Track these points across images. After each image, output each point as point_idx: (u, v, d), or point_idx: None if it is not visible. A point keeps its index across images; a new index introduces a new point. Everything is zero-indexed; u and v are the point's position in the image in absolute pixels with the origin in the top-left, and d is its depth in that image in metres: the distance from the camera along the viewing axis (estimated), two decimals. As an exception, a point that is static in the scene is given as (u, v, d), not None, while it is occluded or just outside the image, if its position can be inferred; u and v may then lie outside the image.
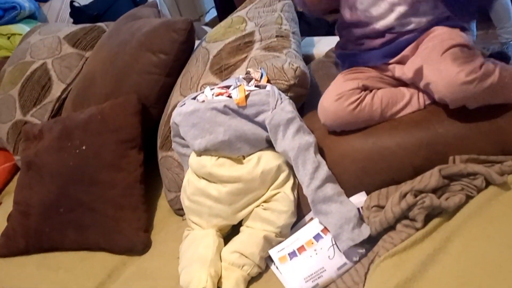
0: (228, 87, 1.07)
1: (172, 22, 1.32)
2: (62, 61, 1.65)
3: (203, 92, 1.08)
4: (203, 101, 1.04)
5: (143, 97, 1.33)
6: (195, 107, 1.04)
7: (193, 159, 1.07)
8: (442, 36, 0.96)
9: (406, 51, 1.02)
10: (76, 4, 2.41)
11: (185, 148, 1.14)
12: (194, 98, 1.08)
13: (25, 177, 1.30)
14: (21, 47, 1.79)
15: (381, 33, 1.04)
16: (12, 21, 2.09)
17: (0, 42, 2.04)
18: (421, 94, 1.03)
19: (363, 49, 1.06)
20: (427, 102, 1.02)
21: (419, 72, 0.96)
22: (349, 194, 0.99)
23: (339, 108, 0.98)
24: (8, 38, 2.05)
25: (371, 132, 1.00)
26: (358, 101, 0.99)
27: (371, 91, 1.02)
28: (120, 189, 1.21)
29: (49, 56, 1.66)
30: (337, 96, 0.99)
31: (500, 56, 1.01)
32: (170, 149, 1.25)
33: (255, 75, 1.08)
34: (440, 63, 0.90)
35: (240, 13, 1.36)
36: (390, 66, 1.05)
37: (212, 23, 3.81)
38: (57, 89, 1.61)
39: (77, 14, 2.39)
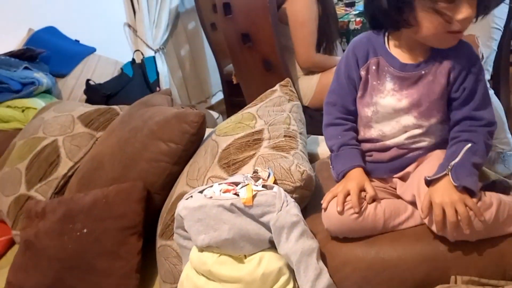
0: (236, 183, 1.09)
1: (185, 114, 1.38)
2: (72, 140, 1.69)
3: (211, 187, 1.10)
4: (211, 197, 1.06)
5: (149, 184, 1.35)
6: (202, 203, 1.06)
7: (194, 254, 1.07)
8: (438, 161, 1.00)
9: (409, 168, 1.06)
10: (91, 82, 2.52)
11: (186, 240, 1.15)
12: (201, 192, 1.10)
13: (21, 257, 1.29)
14: (35, 122, 1.85)
15: (390, 148, 1.09)
16: (29, 95, 2.17)
17: (14, 114, 2.10)
18: None
19: (369, 161, 1.11)
20: None
21: (414, 201, 1.01)
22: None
23: (343, 216, 1.00)
24: (22, 111, 2.11)
25: (373, 242, 1.01)
26: (361, 210, 1.01)
27: (374, 200, 1.04)
28: (116, 278, 1.20)
29: (60, 133, 1.71)
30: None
31: (501, 185, 1.05)
32: (170, 238, 1.25)
33: (263, 174, 1.11)
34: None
35: (250, 109, 1.43)
36: (394, 180, 1.09)
37: (218, 105, 3.96)
38: (64, 167, 1.64)
39: (91, 92, 2.49)
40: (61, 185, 1.63)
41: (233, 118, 1.43)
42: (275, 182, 1.11)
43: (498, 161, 2.47)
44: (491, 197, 0.94)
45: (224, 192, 1.07)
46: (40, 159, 1.66)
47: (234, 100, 3.33)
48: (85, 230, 1.25)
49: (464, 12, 0.90)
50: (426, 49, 1.03)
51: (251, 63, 2.38)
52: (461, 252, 0.95)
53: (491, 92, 2.22)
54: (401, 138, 1.07)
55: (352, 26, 2.52)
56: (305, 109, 2.38)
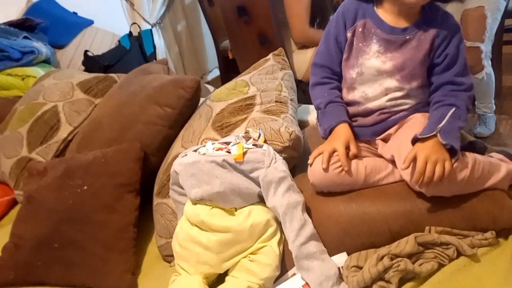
0: (228, 143, 1.16)
1: (181, 80, 1.44)
2: (72, 105, 1.75)
3: (204, 146, 1.17)
4: (204, 154, 1.13)
5: (146, 146, 1.41)
6: (195, 159, 1.12)
7: (188, 207, 1.14)
8: (419, 125, 1.07)
9: (390, 130, 1.14)
10: (89, 53, 2.56)
11: (181, 196, 1.22)
12: (196, 151, 1.17)
13: (24, 210, 1.36)
14: (35, 88, 1.90)
15: (373, 112, 1.15)
16: (29, 64, 2.21)
17: (14, 82, 2.15)
18: None
19: (354, 125, 1.17)
20: None
21: (394, 160, 1.08)
22: (331, 254, 1.05)
23: (326, 171, 1.07)
24: (23, 79, 2.16)
25: (355, 197, 1.09)
26: (340, 169, 1.08)
27: (356, 157, 1.12)
28: (112, 231, 1.27)
29: (60, 99, 1.77)
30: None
31: (477, 146, 1.11)
32: (165, 196, 1.32)
33: (254, 134, 1.17)
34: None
35: (244, 77, 1.49)
36: (376, 141, 1.16)
37: (214, 82, 4.00)
38: (64, 131, 1.70)
39: (89, 63, 2.53)
40: (61, 148, 1.69)
41: (227, 85, 1.49)
42: (265, 142, 1.17)
43: (480, 123, 2.57)
44: (467, 157, 1.01)
45: (217, 150, 1.14)
46: (40, 123, 1.72)
47: (230, 76, 3.34)
48: (85, 187, 1.32)
49: None
50: (413, 15, 1.09)
51: (247, 37, 2.41)
52: (436, 207, 1.02)
53: (489, 62, 2.31)
54: (382, 101, 1.13)
55: (347, 3, 2.56)
56: (299, 83, 2.43)
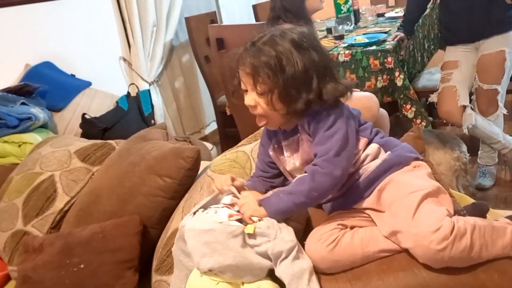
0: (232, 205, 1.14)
1: (181, 150, 1.43)
2: (69, 174, 1.72)
3: (217, 210, 1.13)
4: (221, 222, 1.09)
5: (145, 218, 1.39)
6: (211, 227, 1.07)
7: (195, 279, 1.09)
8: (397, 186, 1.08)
9: (369, 200, 1.13)
10: (87, 116, 2.56)
11: (184, 255, 1.15)
12: (204, 210, 1.14)
13: (19, 292, 1.30)
14: (32, 157, 1.87)
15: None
16: (26, 130, 2.20)
17: (10, 149, 2.13)
18: None
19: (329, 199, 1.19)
20: None
21: (394, 237, 1.05)
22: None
23: (320, 249, 1.05)
24: (19, 146, 2.14)
25: (361, 274, 1.04)
26: (336, 241, 1.05)
27: (351, 228, 1.09)
28: (113, 313, 1.21)
29: (57, 168, 1.74)
30: (318, 238, 1.07)
31: (477, 208, 1.09)
32: (165, 273, 1.27)
33: None
34: (411, 230, 0.98)
35: (245, 148, 1.45)
36: (366, 211, 1.14)
37: (211, 136, 4.01)
38: (60, 201, 1.66)
39: (87, 126, 2.53)
40: (58, 219, 1.65)
41: (228, 155, 1.47)
42: None
43: (481, 174, 2.55)
44: (465, 223, 0.97)
45: (230, 217, 1.10)
46: (37, 194, 1.68)
47: (228, 130, 3.39)
48: (82, 266, 1.27)
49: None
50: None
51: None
52: (444, 281, 0.98)
53: (503, 103, 2.35)
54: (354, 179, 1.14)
55: (342, 59, 2.61)
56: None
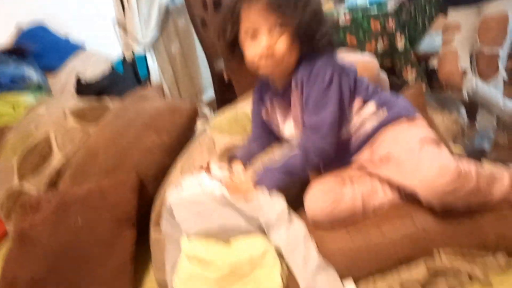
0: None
1: (177, 107, 1.41)
2: (65, 134, 1.70)
3: (199, 176, 1.12)
4: (201, 187, 1.09)
5: (142, 175, 1.37)
6: (193, 193, 1.08)
7: (185, 243, 1.09)
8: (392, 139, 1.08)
9: (362, 155, 1.13)
10: (82, 78, 2.53)
11: (174, 229, 1.16)
12: (193, 182, 1.13)
13: (17, 249, 1.29)
14: (27, 117, 1.85)
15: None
16: (20, 91, 2.17)
17: (4, 110, 2.10)
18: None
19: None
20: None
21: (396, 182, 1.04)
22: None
23: (321, 205, 1.05)
24: (13, 106, 2.11)
25: (360, 227, 1.05)
26: (337, 196, 1.05)
27: (351, 182, 1.09)
28: (110, 268, 1.22)
29: (53, 128, 1.72)
30: (319, 193, 1.07)
31: (476, 154, 1.08)
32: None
33: None
34: (416, 173, 0.96)
35: (245, 109, 1.43)
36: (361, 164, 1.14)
37: (209, 103, 3.98)
38: (56, 160, 1.65)
39: (82, 88, 2.50)
40: (54, 179, 1.63)
41: (228, 114, 1.45)
42: None
43: (479, 137, 2.56)
44: (471, 165, 0.97)
45: (211, 180, 1.10)
46: (32, 153, 1.66)
47: (226, 97, 3.35)
48: (80, 222, 1.27)
49: None
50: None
51: (242, 58, 2.39)
52: (442, 227, 0.99)
53: (503, 67, 2.31)
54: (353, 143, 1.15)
55: (342, 22, 2.56)
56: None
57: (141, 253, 1.34)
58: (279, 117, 1.19)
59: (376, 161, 1.09)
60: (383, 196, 1.08)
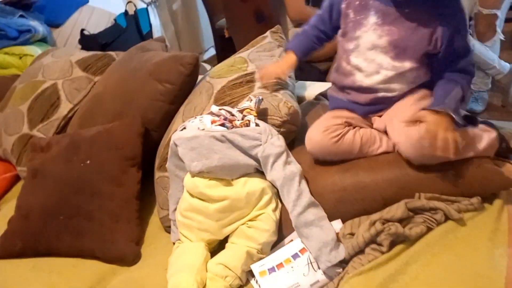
0: (220, 115, 1.20)
1: (180, 56, 1.47)
2: (72, 83, 1.77)
3: (202, 119, 1.21)
4: (203, 129, 1.17)
5: (147, 121, 1.45)
6: (195, 133, 1.17)
7: (188, 179, 1.19)
8: (413, 101, 1.12)
9: (383, 112, 1.18)
10: (86, 32, 2.57)
11: (178, 169, 1.26)
12: (193, 123, 1.21)
13: (29, 184, 1.40)
14: (34, 66, 1.92)
15: (366, 91, 1.17)
16: (26, 42, 2.23)
17: (12, 61, 2.16)
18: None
19: (349, 99, 1.21)
20: None
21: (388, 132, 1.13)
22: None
23: (324, 139, 1.13)
24: (20, 58, 2.18)
25: (349, 168, 1.14)
26: (340, 135, 1.13)
27: (354, 127, 1.16)
28: (118, 202, 1.32)
29: (60, 77, 1.79)
30: (324, 129, 1.14)
31: (468, 119, 1.15)
32: (166, 170, 1.37)
33: (250, 103, 1.21)
34: (403, 129, 1.07)
35: (242, 54, 1.52)
36: (372, 118, 1.21)
37: (210, 61, 4.00)
38: (64, 108, 1.73)
39: (86, 42, 2.54)
40: (62, 125, 1.72)
41: (226, 61, 1.52)
42: (263, 114, 1.22)
43: (473, 99, 2.62)
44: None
45: (212, 122, 1.18)
46: (41, 100, 1.74)
47: (227, 55, 3.36)
48: (88, 161, 1.36)
49: None
50: None
51: (243, 15, 2.43)
52: (425, 175, 1.07)
53: (501, 28, 2.34)
54: (375, 79, 1.14)
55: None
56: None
57: (147, 196, 1.45)
58: (374, 20, 1.11)
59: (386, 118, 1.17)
60: (379, 145, 1.16)
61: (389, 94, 1.15)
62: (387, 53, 1.12)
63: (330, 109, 1.26)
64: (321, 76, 2.18)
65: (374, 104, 1.19)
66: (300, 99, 1.57)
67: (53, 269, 1.30)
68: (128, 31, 2.70)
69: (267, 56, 1.48)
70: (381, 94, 1.16)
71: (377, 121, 1.20)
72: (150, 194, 1.44)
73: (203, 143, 1.16)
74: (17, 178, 1.75)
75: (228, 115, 1.20)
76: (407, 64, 1.11)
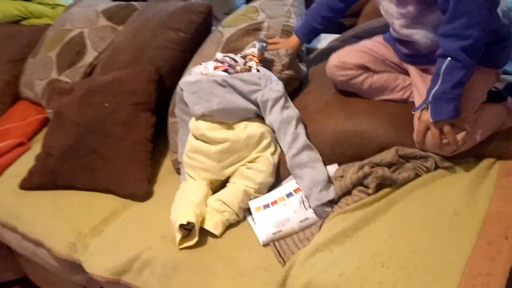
0: (224, 62, 1.25)
1: (192, 5, 1.52)
2: (97, 32, 1.85)
3: (206, 64, 1.26)
4: (206, 74, 1.23)
5: (159, 68, 1.51)
6: (197, 78, 1.23)
7: (192, 122, 1.26)
8: None
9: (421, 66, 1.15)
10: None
11: (185, 114, 1.33)
12: (200, 69, 1.27)
13: (53, 124, 1.51)
14: (63, 16, 2.01)
15: (400, 39, 1.15)
16: (58, -7, 2.31)
17: (44, 10, 2.26)
18: (409, 92, 1.18)
19: (392, 36, 1.19)
20: (411, 99, 1.18)
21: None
22: (324, 163, 1.15)
23: (335, 73, 1.18)
24: (53, 8, 2.27)
25: (353, 113, 1.17)
26: (349, 77, 1.17)
27: (368, 72, 1.17)
28: (131, 144, 1.41)
29: (86, 26, 1.87)
30: (339, 63, 1.18)
31: (497, 95, 1.14)
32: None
33: (254, 49, 1.26)
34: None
35: (254, 3, 1.54)
36: (407, 66, 1.18)
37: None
38: (90, 56, 1.82)
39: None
40: (88, 72, 1.82)
41: (238, 11, 1.55)
42: (260, 57, 1.26)
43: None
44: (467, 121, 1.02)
45: (215, 68, 1.23)
46: (68, 48, 1.84)
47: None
48: (105, 104, 1.45)
49: None
50: None
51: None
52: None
53: None
54: (396, 25, 1.11)
55: None
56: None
57: (163, 140, 1.53)
58: None
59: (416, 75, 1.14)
60: (388, 95, 1.18)
61: (414, 38, 1.09)
62: (392, 1, 1.10)
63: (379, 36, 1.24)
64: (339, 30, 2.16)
65: (412, 57, 1.15)
66: (312, 51, 1.59)
67: (69, 202, 1.41)
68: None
69: (279, 5, 1.49)
70: (412, 43, 1.12)
71: (411, 71, 1.18)
72: (165, 139, 1.53)
73: (204, 87, 1.21)
74: (47, 120, 1.87)
75: (232, 62, 1.24)
76: (411, 8, 1.05)
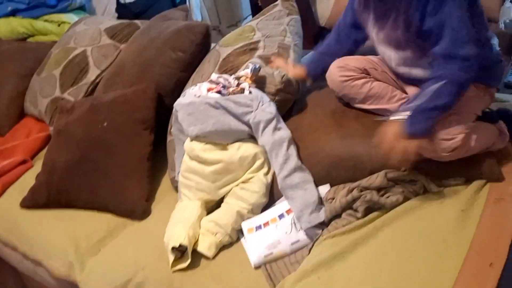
0: (218, 82, 1.27)
1: (192, 26, 1.55)
2: (99, 50, 1.89)
3: (200, 86, 1.29)
4: (199, 96, 1.25)
5: (161, 87, 1.54)
6: (191, 100, 1.25)
7: (187, 143, 1.28)
8: None
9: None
10: (121, 0, 2.68)
11: (181, 134, 1.35)
12: (194, 90, 1.29)
13: (54, 142, 1.55)
14: (68, 33, 2.05)
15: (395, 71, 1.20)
16: (64, 10, 2.36)
17: (51, 28, 2.31)
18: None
19: None
20: None
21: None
22: (318, 184, 1.17)
23: (336, 74, 1.21)
24: (59, 25, 2.32)
25: (348, 135, 1.19)
26: (350, 78, 1.19)
27: (369, 78, 1.20)
28: (130, 162, 1.44)
29: (89, 44, 1.91)
30: (341, 64, 1.21)
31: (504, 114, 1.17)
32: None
33: (246, 70, 1.28)
34: None
35: (252, 22, 1.56)
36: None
37: (248, 30, 4.03)
38: (92, 74, 1.85)
39: (122, 10, 2.65)
40: (90, 90, 1.85)
41: (237, 30, 1.58)
42: (253, 78, 1.28)
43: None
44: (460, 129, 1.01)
45: (209, 90, 1.26)
46: (72, 66, 1.87)
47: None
48: (105, 124, 1.48)
49: None
50: None
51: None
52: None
53: None
54: (392, 65, 1.17)
55: None
56: (322, 29, 2.46)
57: (163, 158, 1.55)
58: (370, 18, 1.13)
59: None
60: (384, 104, 1.20)
61: (418, 77, 1.11)
62: (389, 46, 1.13)
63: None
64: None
65: (410, 80, 1.18)
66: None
67: (73, 219, 1.45)
68: (161, 0, 2.78)
69: (275, 25, 1.51)
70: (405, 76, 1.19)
71: (409, 90, 1.21)
72: (164, 157, 1.55)
73: (199, 109, 1.24)
74: (50, 137, 1.90)
75: (226, 83, 1.26)
76: (410, 53, 1.09)
